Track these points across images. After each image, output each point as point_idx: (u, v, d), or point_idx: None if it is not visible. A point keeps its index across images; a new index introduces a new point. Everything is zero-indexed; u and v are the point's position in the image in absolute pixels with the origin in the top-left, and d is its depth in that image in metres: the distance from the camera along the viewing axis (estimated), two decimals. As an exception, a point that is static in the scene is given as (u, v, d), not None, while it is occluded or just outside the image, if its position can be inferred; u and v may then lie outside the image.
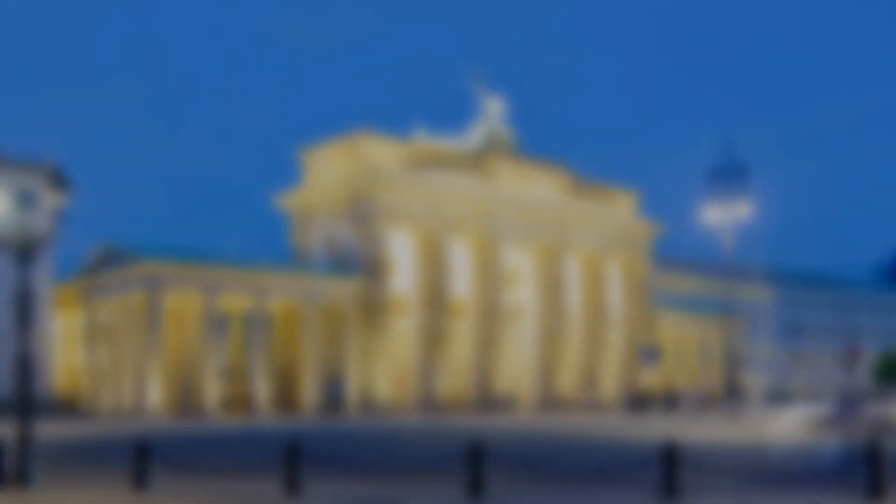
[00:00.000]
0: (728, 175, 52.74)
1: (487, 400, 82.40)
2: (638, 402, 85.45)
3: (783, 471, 21.70)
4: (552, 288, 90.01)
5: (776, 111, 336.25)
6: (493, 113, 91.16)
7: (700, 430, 40.97)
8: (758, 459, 26.09)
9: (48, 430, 39.56)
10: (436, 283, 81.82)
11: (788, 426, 38.24)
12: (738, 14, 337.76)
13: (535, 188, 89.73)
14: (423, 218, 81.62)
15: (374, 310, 77.75)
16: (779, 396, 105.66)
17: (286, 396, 77.51)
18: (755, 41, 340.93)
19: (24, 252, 22.30)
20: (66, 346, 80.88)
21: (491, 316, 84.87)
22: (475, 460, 16.53)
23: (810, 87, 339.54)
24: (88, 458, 27.93)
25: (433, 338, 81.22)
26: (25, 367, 21.21)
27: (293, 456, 17.17)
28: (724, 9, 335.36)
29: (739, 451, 29.37)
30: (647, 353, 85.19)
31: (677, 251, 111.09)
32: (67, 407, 71.47)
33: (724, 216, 52.33)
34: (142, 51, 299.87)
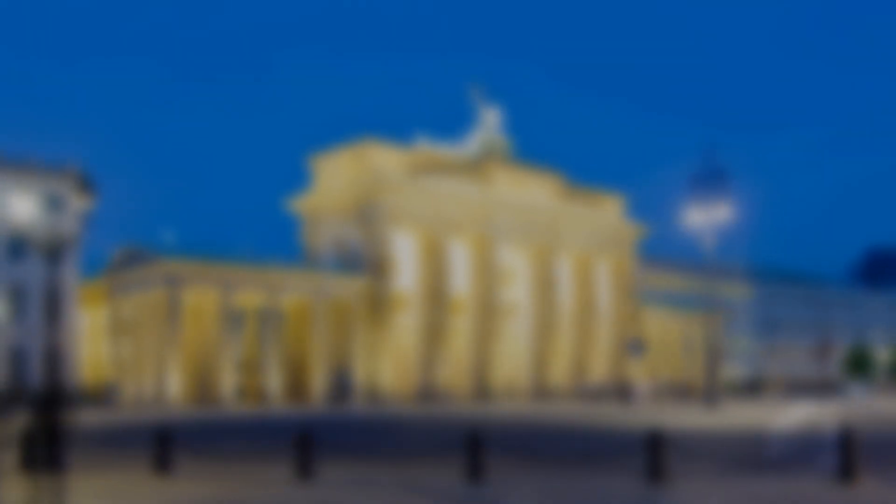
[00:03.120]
0: (709, 180, 52.73)
1: (485, 390, 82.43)
2: (624, 391, 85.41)
3: (769, 457, 21.68)
4: (545, 286, 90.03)
5: (758, 119, 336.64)
6: (490, 122, 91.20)
7: (682, 419, 40.98)
8: (741, 446, 26.11)
9: (76, 419, 39.55)
10: (436, 281, 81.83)
11: (794, 419, 38.13)
12: (725, 28, 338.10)
13: (529, 193, 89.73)
14: (425, 220, 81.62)
15: (378, 306, 77.76)
16: (754, 387, 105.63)
17: (297, 387, 77.53)
18: (737, 52, 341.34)
19: (53, 252, 22.30)
20: (92, 340, 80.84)
21: (488, 312, 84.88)
22: (474, 446, 16.56)
23: (792, 97, 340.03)
24: (114, 444, 27.94)
25: (434, 332, 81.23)
26: (54, 359, 21.26)
27: (304, 442, 17.20)
28: (709, 23, 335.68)
29: (723, 438, 29.38)
30: (634, 346, 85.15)
31: (662, 251, 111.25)
32: (93, 397, 71.47)
33: (705, 218, 52.31)
34: (162, 64, 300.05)
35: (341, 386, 75.30)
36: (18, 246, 65.67)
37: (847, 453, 15.77)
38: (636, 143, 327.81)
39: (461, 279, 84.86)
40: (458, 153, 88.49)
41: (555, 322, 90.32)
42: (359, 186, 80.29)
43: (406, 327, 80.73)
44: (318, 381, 76.06)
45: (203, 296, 72.52)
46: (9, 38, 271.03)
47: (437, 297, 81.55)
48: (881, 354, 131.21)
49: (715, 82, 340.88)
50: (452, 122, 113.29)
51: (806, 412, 43.98)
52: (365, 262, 79.01)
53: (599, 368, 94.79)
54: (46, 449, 18.75)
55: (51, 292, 21.68)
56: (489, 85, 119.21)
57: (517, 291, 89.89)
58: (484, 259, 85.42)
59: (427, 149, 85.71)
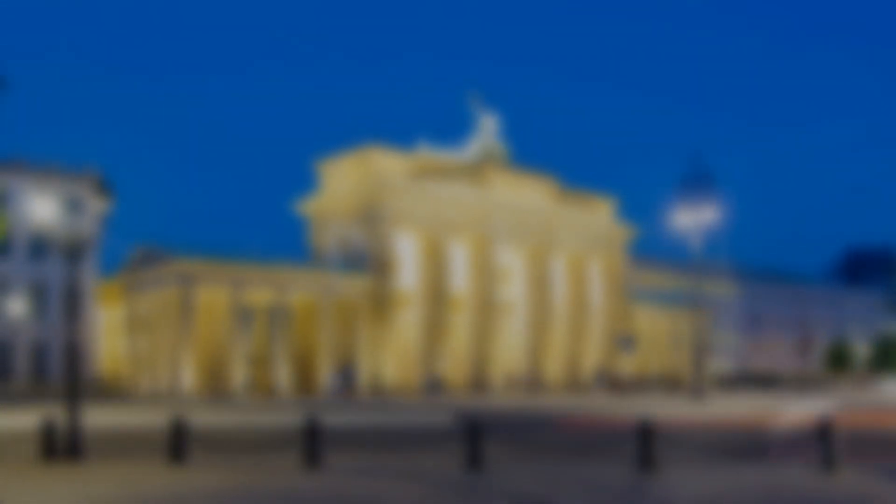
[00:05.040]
0: (696, 183, 52.63)
1: (483, 383, 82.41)
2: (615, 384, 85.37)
3: (767, 447, 21.64)
4: (540, 284, 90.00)
5: (744, 126, 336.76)
6: (488, 128, 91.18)
7: (670, 411, 40.95)
8: (727, 437, 26.10)
9: (94, 411, 39.51)
10: (437, 279, 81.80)
11: (799, 414, 37.93)
12: (711, 38, 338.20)
13: (525, 196, 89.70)
14: (426, 222, 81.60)
15: (382, 303, 77.74)
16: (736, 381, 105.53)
17: (304, 380, 77.52)
18: (731, 53, 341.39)
19: (72, 252, 22.28)
20: (110, 336, 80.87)
21: (486, 309, 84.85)
22: (473, 436, 16.56)
23: (776, 103, 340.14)
24: (131, 435, 27.90)
25: (435, 328, 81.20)
26: (73, 354, 21.22)
27: (312, 432, 17.18)
28: (695, 33, 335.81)
29: (709, 430, 29.38)
30: (625, 341, 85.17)
31: (651, 251, 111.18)
32: (111, 390, 71.46)
33: (692, 220, 52.26)
34: (176, 73, 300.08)
35: (346, 379, 75.26)
36: (40, 246, 65.69)
37: (828, 445, 15.83)
38: (630, 145, 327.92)
39: (460, 278, 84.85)
40: (457, 158, 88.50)
41: (549, 319, 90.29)
42: (363, 190, 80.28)
43: (408, 324, 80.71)
44: (325, 375, 76.04)
45: (215, 294, 72.49)
46: (26, 44, 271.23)
47: (437, 294, 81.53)
48: (859, 349, 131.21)
49: (705, 82, 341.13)
50: (452, 124, 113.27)
51: (809, 406, 43.81)
52: (369, 261, 78.99)
53: (592, 363, 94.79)
54: (66, 439, 18.75)
55: (70, 290, 21.74)
56: (487, 90, 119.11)
57: (514, 289, 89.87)
58: (482, 259, 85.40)
59: (428, 154, 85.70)
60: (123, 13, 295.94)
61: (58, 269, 65.24)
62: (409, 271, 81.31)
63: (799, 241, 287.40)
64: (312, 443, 17.06)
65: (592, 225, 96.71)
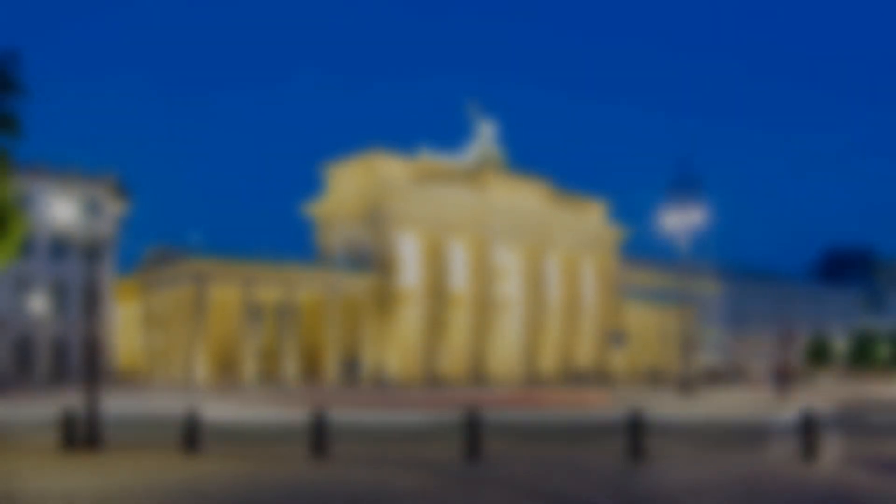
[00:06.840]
0: (684, 187, 52.56)
1: (481, 376, 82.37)
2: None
3: (766, 439, 21.60)
4: (536, 283, 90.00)
5: (731, 132, 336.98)
6: (486, 135, 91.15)
7: (659, 405, 40.93)
8: (715, 430, 26.09)
9: (112, 402, 39.46)
10: (438, 278, 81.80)
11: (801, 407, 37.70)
12: (699, 48, 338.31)
13: (521, 199, 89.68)
14: (427, 223, 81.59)
15: (385, 301, 77.74)
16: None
17: (311, 373, 77.50)
18: (710, 71, 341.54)
19: (91, 252, 22.31)
20: (127, 332, 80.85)
21: (484, 306, 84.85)
22: (472, 428, 16.56)
23: (761, 110, 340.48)
24: (146, 425, 27.89)
25: (435, 324, 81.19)
26: (92, 348, 21.23)
27: (319, 423, 17.18)
28: (685, 42, 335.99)
29: (698, 423, 29.39)
30: (616, 337, 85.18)
31: (641, 251, 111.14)
32: (127, 382, 71.45)
33: (680, 221, 52.24)
34: (189, 82, 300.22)
35: (351, 372, 75.25)
36: (60, 247, 65.74)
37: (808, 435, 15.87)
38: (620, 151, 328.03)
39: (460, 277, 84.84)
40: (457, 163, 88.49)
41: (544, 315, 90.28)
42: (367, 193, 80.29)
43: (410, 320, 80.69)
44: (331, 368, 76.05)
45: (227, 291, 72.50)
46: (50, 54, 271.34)
47: (438, 292, 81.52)
48: (838, 345, 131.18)
49: (694, 91, 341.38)
50: (452, 130, 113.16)
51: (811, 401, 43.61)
52: (373, 261, 79.00)
53: (585, 357, 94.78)
54: (86, 428, 18.75)
55: (89, 288, 21.68)
56: (485, 98, 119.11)
57: (510, 288, 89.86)
58: (480, 258, 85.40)
59: (429, 159, 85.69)
60: (136, 21, 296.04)
61: (77, 269, 65.25)
62: (410, 270, 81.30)
63: (781, 241, 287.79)
64: (319, 433, 17.07)
65: (585, 226, 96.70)
